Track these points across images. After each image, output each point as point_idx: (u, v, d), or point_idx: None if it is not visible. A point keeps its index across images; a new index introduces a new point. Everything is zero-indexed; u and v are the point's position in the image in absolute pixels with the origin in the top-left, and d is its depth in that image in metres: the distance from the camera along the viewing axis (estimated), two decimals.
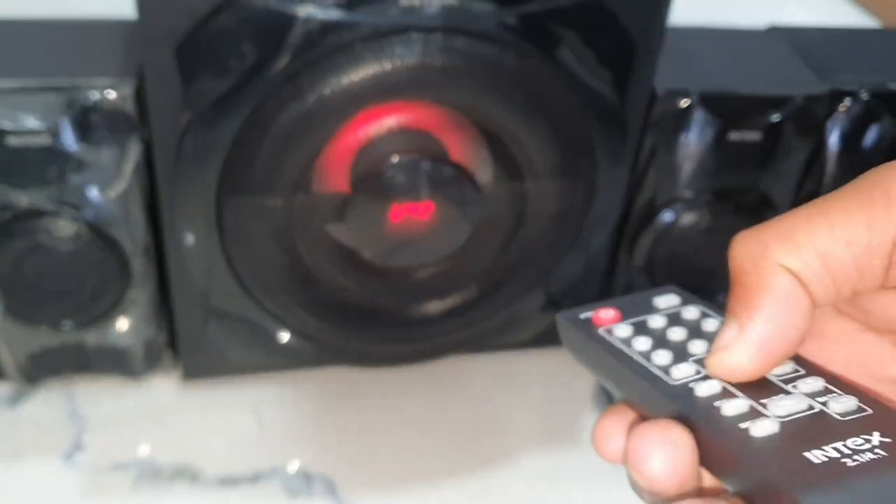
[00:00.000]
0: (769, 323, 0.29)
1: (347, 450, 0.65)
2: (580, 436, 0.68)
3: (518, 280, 0.63)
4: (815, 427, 0.28)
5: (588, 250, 0.64)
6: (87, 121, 0.54)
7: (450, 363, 0.67)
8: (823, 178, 0.67)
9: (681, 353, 0.32)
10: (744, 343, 0.30)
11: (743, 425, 0.28)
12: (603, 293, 0.70)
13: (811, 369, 0.31)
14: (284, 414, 0.66)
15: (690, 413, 0.29)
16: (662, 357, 0.32)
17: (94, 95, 0.54)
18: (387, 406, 0.68)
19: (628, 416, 0.32)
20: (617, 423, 0.32)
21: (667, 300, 0.35)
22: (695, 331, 0.33)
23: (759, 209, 0.65)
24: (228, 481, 0.61)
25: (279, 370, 0.67)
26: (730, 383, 0.30)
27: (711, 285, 0.69)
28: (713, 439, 0.28)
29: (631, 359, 0.32)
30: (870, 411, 0.29)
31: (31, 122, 0.53)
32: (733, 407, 0.29)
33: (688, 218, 0.65)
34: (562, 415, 0.69)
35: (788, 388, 0.30)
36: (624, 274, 0.68)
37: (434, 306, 0.63)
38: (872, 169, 0.30)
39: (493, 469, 0.65)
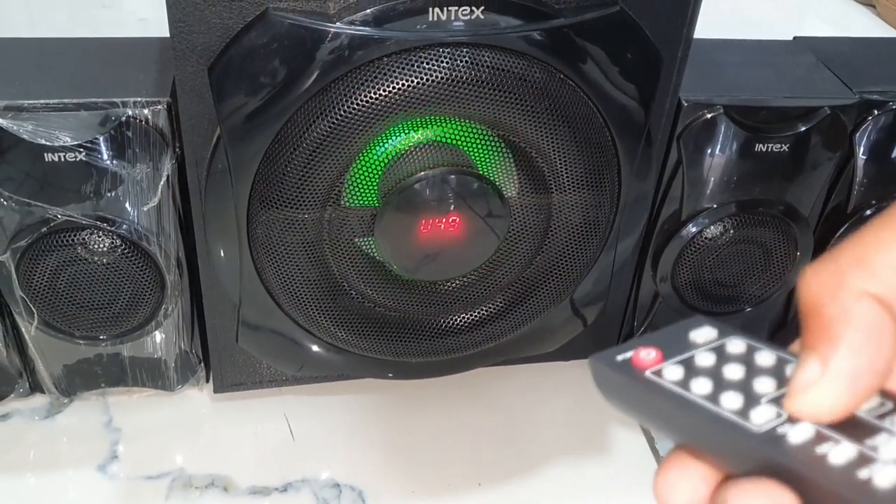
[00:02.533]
0: (856, 355, 0.27)
1: (376, 460, 0.65)
2: (607, 447, 0.68)
3: (544, 292, 0.63)
4: None
5: (613, 262, 0.64)
6: (122, 137, 0.55)
7: (477, 375, 0.68)
8: (852, 189, 0.66)
9: (750, 395, 0.29)
10: (830, 379, 0.27)
11: (861, 475, 0.26)
12: (628, 305, 0.71)
13: None
14: (314, 425, 0.67)
15: (789, 463, 0.27)
16: (733, 400, 0.29)
17: (129, 112, 0.55)
18: (415, 417, 0.69)
19: (694, 465, 0.30)
20: (683, 475, 0.29)
21: (704, 333, 0.32)
22: (752, 367, 0.31)
23: (786, 221, 0.65)
24: (259, 491, 0.62)
25: (309, 382, 0.68)
26: (821, 425, 0.28)
27: (736, 297, 0.69)
28: (828, 494, 0.26)
29: (695, 404, 0.29)
30: None
31: (67, 139, 0.55)
32: (841, 453, 0.26)
33: (713, 230, 0.65)
34: (588, 427, 0.69)
35: (886, 425, 0.27)
36: (649, 285, 0.69)
37: (462, 318, 0.64)
38: None
39: (521, 480, 0.65)
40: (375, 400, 0.69)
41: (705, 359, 0.31)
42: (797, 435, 0.27)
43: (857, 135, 0.64)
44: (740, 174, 0.63)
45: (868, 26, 1.26)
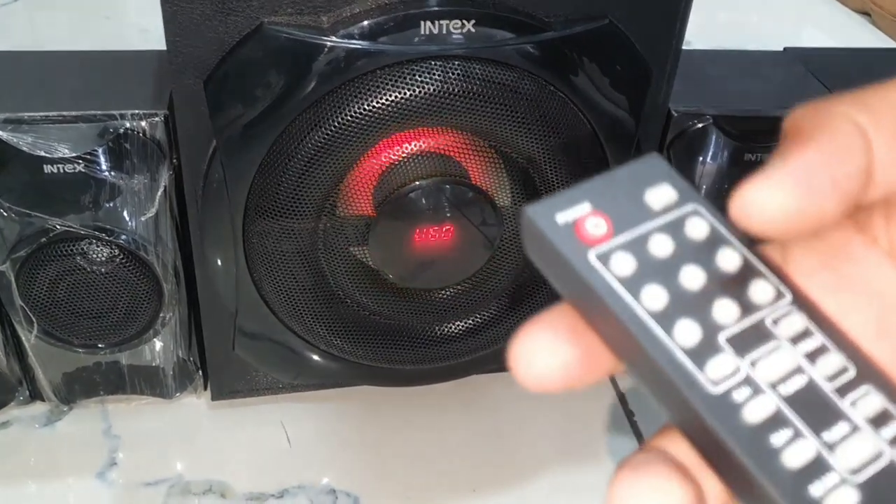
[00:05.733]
0: (818, 152, 0.24)
1: (372, 467, 0.66)
2: (599, 452, 0.68)
3: (537, 299, 0.64)
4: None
5: None
6: (120, 149, 0.56)
7: (471, 381, 0.68)
8: None
9: (709, 324, 0.24)
10: (782, 171, 0.24)
11: (815, 491, 0.22)
12: None
13: (866, 373, 0.25)
14: (311, 432, 0.68)
15: (733, 447, 0.23)
16: (689, 332, 0.24)
17: (126, 124, 0.56)
18: (411, 424, 0.69)
19: (570, 320, 0.25)
20: (552, 330, 0.25)
21: (661, 194, 0.27)
22: (714, 273, 0.25)
23: None
24: (256, 497, 0.63)
25: (306, 389, 0.69)
26: (789, 402, 0.24)
27: None
28: (771, 500, 0.22)
29: (645, 327, 0.24)
30: None
31: (66, 151, 0.55)
32: (798, 454, 0.23)
33: None
34: (581, 432, 0.70)
35: (846, 404, 0.24)
36: None
37: (456, 326, 0.64)
38: None
39: (515, 485, 0.66)
40: (371, 407, 0.70)
41: (661, 245, 0.26)
42: (754, 412, 0.23)
43: None
44: (730, 183, 0.63)
45: (863, 35, 1.27)
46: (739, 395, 0.23)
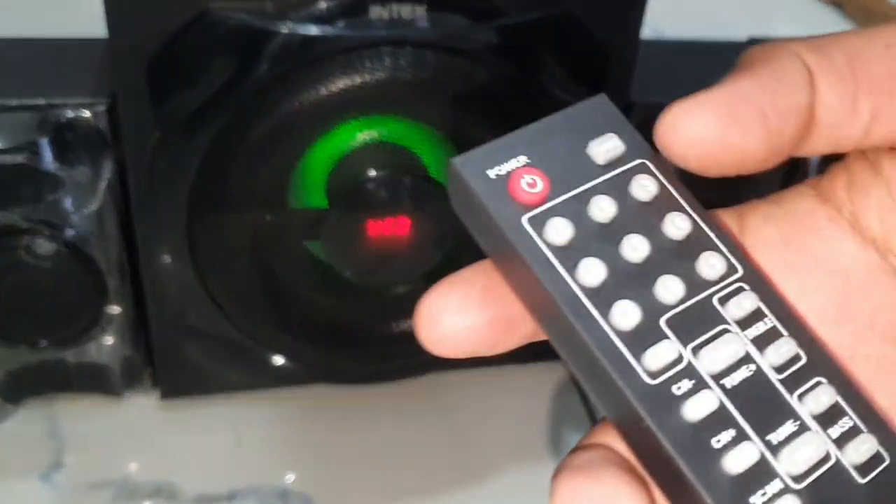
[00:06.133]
0: (751, 82, 0.23)
1: (326, 468, 0.64)
2: (560, 449, 0.67)
3: None
4: (840, 491, 0.21)
5: None
6: (62, 139, 0.54)
7: (429, 380, 0.67)
8: None
9: (649, 305, 0.22)
10: (709, 96, 0.22)
11: (755, 501, 0.21)
12: None
13: (820, 363, 0.23)
14: (264, 432, 0.66)
15: (669, 449, 0.21)
16: (627, 314, 0.22)
17: (69, 114, 0.54)
18: (365, 424, 0.68)
19: (487, 280, 0.23)
20: (465, 290, 0.24)
21: (606, 145, 0.25)
22: (659, 242, 0.24)
23: None
24: (205, 499, 0.61)
25: (258, 389, 0.67)
26: (732, 397, 0.22)
27: None
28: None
29: (580, 307, 0.22)
30: None
31: (5, 141, 0.53)
32: (740, 458, 0.21)
33: None
34: (542, 431, 0.69)
35: (794, 398, 0.22)
36: None
37: (412, 323, 0.63)
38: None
39: (474, 486, 0.64)
40: (326, 407, 0.68)
41: (602, 209, 0.24)
42: (695, 408, 0.21)
43: None
44: (692, 175, 0.62)
45: (836, 28, 1.27)
46: (679, 389, 0.22)
